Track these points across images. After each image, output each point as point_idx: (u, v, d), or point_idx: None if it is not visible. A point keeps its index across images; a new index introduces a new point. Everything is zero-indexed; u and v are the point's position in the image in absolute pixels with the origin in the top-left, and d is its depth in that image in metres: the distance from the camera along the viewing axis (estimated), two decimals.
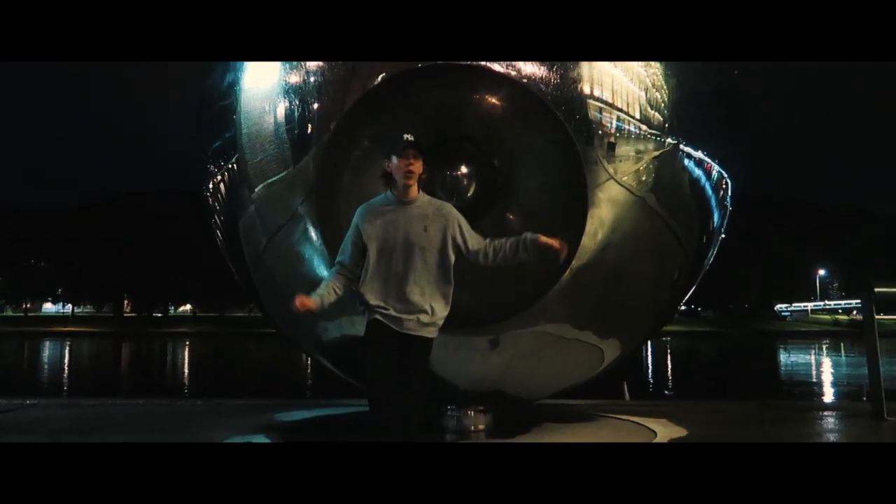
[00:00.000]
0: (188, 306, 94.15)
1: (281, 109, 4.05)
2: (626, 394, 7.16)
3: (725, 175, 4.51)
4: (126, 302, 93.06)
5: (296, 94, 3.96)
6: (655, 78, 3.92)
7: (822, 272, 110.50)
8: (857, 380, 16.62)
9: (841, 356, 33.47)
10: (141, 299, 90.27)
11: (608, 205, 3.89)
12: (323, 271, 4.12)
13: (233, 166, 4.37)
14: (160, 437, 4.86)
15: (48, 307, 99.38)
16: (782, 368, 26.40)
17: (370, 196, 3.30)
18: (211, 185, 4.69)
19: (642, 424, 5.13)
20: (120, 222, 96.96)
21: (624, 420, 5.37)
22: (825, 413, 6.19)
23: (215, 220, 4.81)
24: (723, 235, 4.89)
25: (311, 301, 3.10)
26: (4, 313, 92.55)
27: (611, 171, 3.81)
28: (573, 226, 3.69)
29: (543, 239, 3.02)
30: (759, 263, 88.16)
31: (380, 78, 3.73)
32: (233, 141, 4.28)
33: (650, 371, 22.41)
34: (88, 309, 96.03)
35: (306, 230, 4.03)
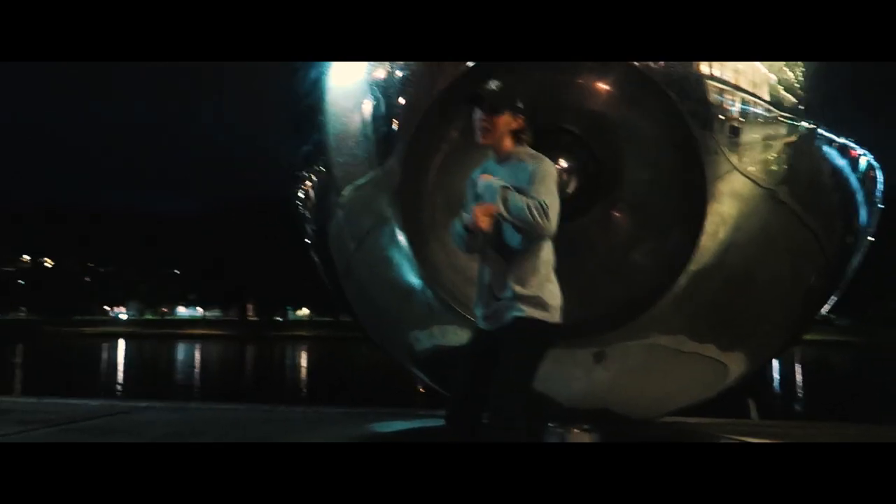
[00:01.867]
0: (306, 310, 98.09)
1: (367, 107, 3.83)
2: (753, 412, 6.46)
3: (875, 165, 3.86)
4: (249, 306, 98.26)
5: (381, 89, 3.74)
6: None
7: None
8: None
9: None
10: (263, 304, 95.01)
11: (731, 199, 3.38)
12: (412, 277, 3.87)
13: (321, 170, 4.22)
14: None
15: (181, 311, 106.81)
16: None
17: (456, 196, 3.02)
18: (300, 192, 4.57)
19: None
20: (246, 229, 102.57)
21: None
22: None
23: (305, 228, 4.68)
24: (870, 238, 4.20)
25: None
26: (144, 316, 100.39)
27: (734, 160, 3.30)
28: (690, 224, 3.23)
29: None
30: None
31: (468, 65, 3.41)
32: (320, 143, 4.13)
33: (777, 386, 20.73)
34: (216, 312, 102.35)
35: (393, 234, 3.79)
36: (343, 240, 4.19)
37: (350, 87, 3.92)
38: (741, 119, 3.32)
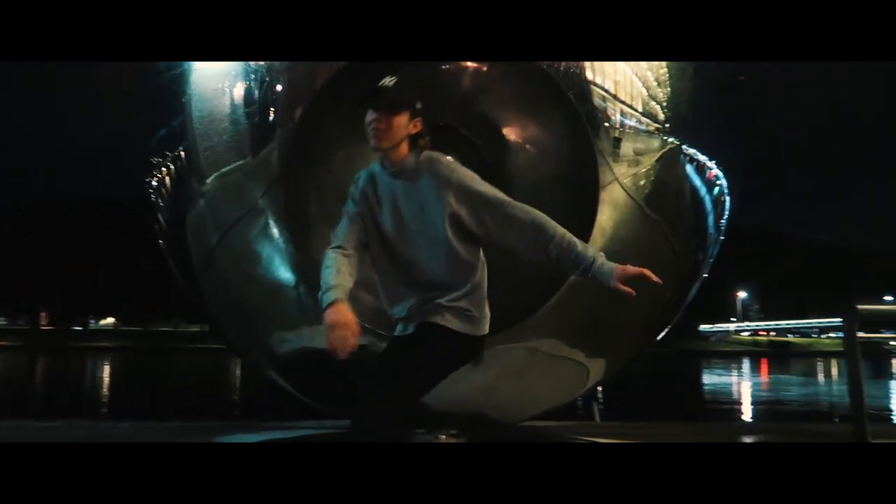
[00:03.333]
0: (110, 319, 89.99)
1: (239, 90, 3.53)
2: (597, 415, 6.80)
3: (727, 193, 4.16)
4: (43, 314, 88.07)
5: (258, 74, 3.46)
6: (662, 64, 3.55)
7: (743, 294, 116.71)
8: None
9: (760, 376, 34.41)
10: (59, 312, 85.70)
11: (610, 209, 3.51)
12: (284, 273, 3.60)
13: (181, 155, 3.82)
14: None
15: None
16: (709, 386, 26.86)
17: (343, 191, 2.82)
18: (155, 180, 4.11)
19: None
20: (39, 232, 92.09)
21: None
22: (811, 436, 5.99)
23: (158, 219, 4.21)
24: (706, 273, 4.49)
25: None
26: None
27: (616, 170, 3.43)
28: (579, 230, 3.27)
29: (630, 270, 2.25)
30: None
31: None
32: (182, 127, 3.74)
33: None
34: (2, 321, 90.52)
35: (266, 226, 3.51)
36: (204, 231, 3.82)
37: (220, 68, 3.59)
38: (621, 129, 3.46)
